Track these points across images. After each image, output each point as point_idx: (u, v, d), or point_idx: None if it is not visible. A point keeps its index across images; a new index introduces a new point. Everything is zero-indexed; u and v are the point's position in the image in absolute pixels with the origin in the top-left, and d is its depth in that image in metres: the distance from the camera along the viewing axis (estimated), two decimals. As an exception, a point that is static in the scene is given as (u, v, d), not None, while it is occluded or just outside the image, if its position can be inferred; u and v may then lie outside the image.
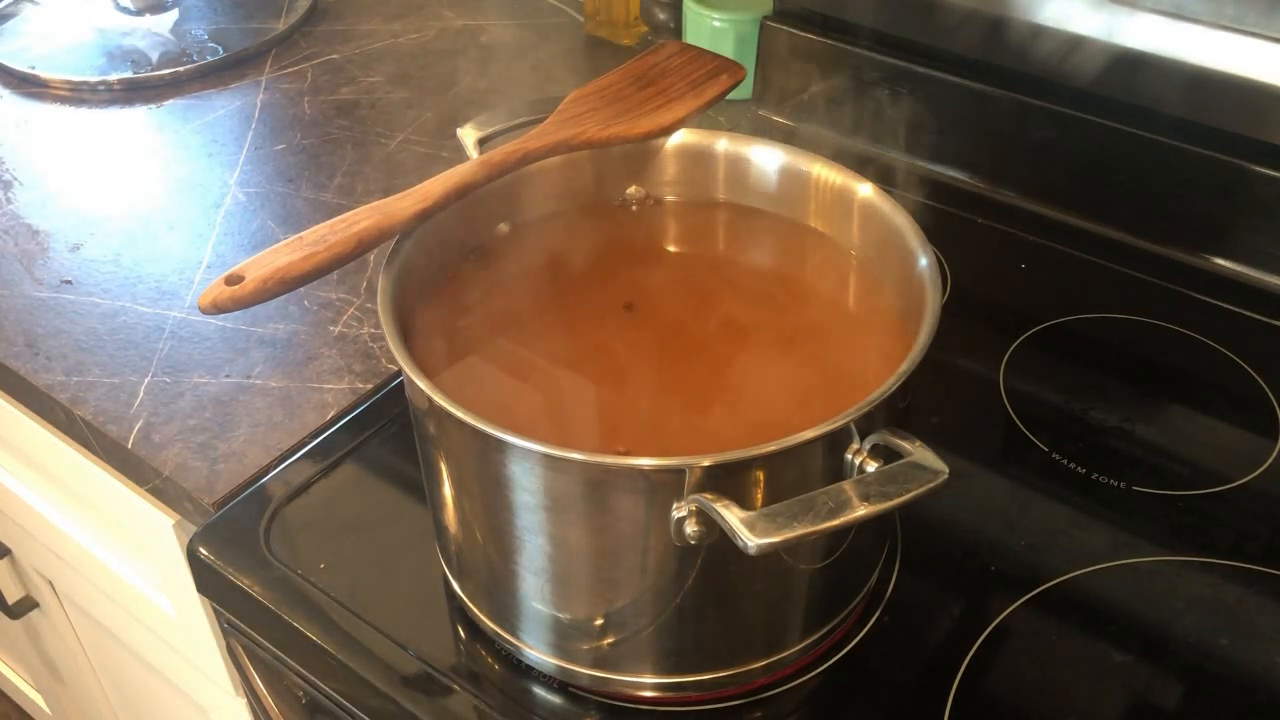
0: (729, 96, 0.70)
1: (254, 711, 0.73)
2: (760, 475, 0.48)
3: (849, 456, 0.49)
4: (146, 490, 0.74)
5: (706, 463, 0.46)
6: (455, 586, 0.61)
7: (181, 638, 0.88)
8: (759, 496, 0.49)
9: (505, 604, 0.57)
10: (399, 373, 0.70)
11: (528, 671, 0.59)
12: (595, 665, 0.56)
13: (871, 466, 0.49)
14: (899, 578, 0.63)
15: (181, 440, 0.71)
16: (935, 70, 0.88)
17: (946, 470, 0.47)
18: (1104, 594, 0.62)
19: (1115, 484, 0.68)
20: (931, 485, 0.46)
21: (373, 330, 0.79)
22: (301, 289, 0.55)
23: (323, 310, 0.80)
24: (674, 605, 0.53)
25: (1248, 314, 0.79)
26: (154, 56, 1.09)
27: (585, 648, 0.56)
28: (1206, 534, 0.65)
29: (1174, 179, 0.81)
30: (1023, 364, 0.76)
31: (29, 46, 1.10)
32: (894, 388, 0.49)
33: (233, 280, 0.53)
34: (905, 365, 0.50)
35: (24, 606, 1.16)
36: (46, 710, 1.43)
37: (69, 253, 0.86)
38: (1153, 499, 0.67)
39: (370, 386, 0.75)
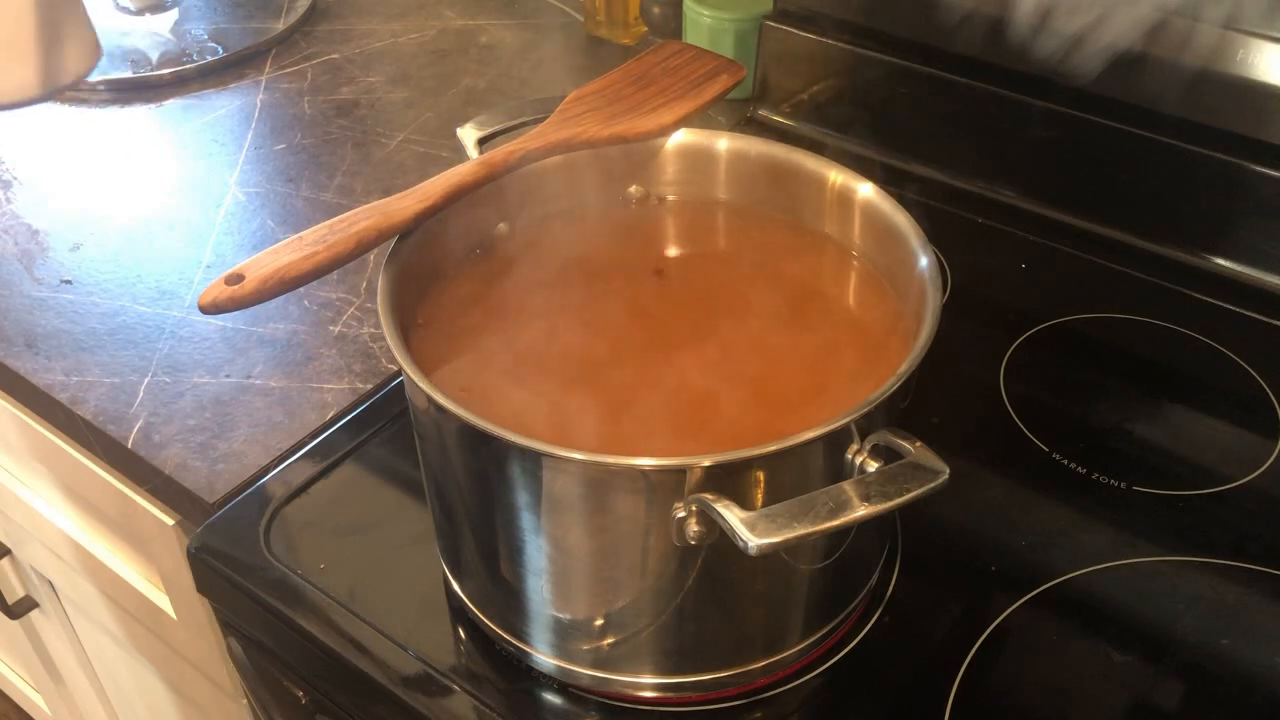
0: (729, 96, 0.70)
1: (254, 712, 0.73)
2: (761, 475, 0.48)
3: (849, 456, 0.49)
4: (146, 490, 0.74)
5: (707, 463, 0.46)
6: (455, 587, 0.61)
7: (181, 638, 0.88)
8: (759, 496, 0.49)
9: (505, 604, 0.57)
10: (399, 373, 0.70)
11: (528, 672, 0.59)
12: (595, 665, 0.56)
13: (872, 466, 0.49)
14: (899, 578, 0.63)
15: (181, 440, 0.71)
16: (935, 70, 0.88)
17: (947, 470, 0.47)
18: (1104, 594, 0.62)
19: (1115, 484, 0.68)
20: (931, 485, 0.47)
21: (373, 330, 0.79)
22: (301, 289, 0.55)
23: (323, 310, 0.80)
24: (674, 605, 0.53)
25: (1248, 314, 0.79)
26: (154, 56, 1.09)
27: (585, 648, 0.56)
28: (1206, 534, 0.65)
29: (1174, 179, 0.81)
30: (1023, 364, 0.76)
31: (29, 46, 1.10)
32: (894, 388, 0.49)
33: (232, 280, 0.53)
34: (905, 365, 0.50)
35: (24, 606, 1.16)
36: (46, 710, 1.43)
37: (69, 252, 0.86)
38: (1153, 499, 0.67)
39: (370, 386, 0.75)
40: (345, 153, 0.96)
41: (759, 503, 0.48)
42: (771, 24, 0.95)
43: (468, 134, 0.63)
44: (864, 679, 0.59)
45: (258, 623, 0.66)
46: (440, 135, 0.98)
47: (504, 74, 1.06)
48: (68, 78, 0.78)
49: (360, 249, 0.55)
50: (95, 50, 0.79)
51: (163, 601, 0.87)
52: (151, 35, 1.12)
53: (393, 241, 0.58)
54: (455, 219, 0.61)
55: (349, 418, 0.73)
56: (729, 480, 0.47)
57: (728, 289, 0.64)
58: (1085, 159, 0.85)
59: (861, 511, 0.46)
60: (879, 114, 0.92)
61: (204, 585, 0.68)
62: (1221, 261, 0.82)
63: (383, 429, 0.72)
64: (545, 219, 0.66)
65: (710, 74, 0.69)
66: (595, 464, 0.48)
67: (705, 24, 0.98)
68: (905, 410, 0.52)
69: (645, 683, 0.56)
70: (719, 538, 0.47)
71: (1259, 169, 0.78)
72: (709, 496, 0.46)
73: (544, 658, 0.57)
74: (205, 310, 0.53)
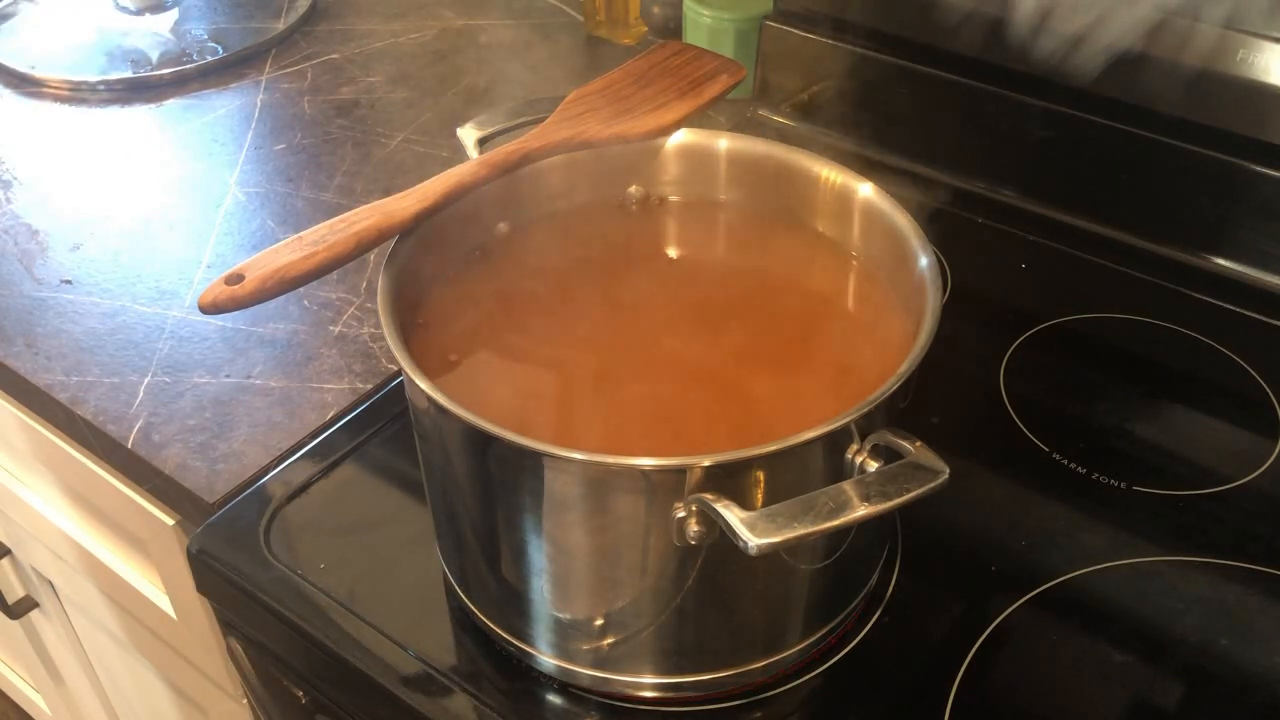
0: (729, 96, 0.70)
1: (254, 711, 0.73)
2: (761, 475, 0.48)
3: (849, 456, 0.49)
4: (146, 490, 0.74)
5: (707, 463, 0.46)
6: (455, 586, 0.61)
7: (181, 638, 0.88)
8: (759, 496, 0.49)
9: (505, 604, 0.57)
10: (399, 373, 0.70)
11: (528, 672, 0.59)
12: (595, 665, 0.56)
13: (872, 466, 0.49)
14: (899, 578, 0.63)
15: (181, 440, 0.71)
16: (935, 70, 0.88)
17: (947, 470, 0.47)
18: (1104, 594, 0.62)
19: (1115, 484, 0.68)
20: (932, 485, 0.47)
21: (373, 330, 0.79)
22: (301, 289, 0.55)
23: (323, 310, 0.80)
24: (674, 605, 0.53)
25: (1248, 314, 0.79)
26: (154, 56, 1.09)
27: (585, 648, 0.56)
28: (1206, 534, 0.65)
29: (1174, 179, 0.81)
30: (1023, 364, 0.76)
31: (29, 46, 1.10)
32: (894, 388, 0.49)
33: (232, 280, 0.53)
34: (905, 365, 0.50)
35: (24, 606, 1.16)
36: (46, 710, 1.43)
37: (69, 252, 0.86)
38: (1153, 499, 0.67)
39: (370, 386, 0.75)
40: (345, 153, 0.96)
41: (759, 503, 0.48)
42: (771, 24, 0.95)
43: (468, 134, 0.63)
44: (864, 679, 0.59)
45: (258, 623, 0.66)
46: (440, 135, 0.98)
47: (504, 74, 1.06)
48: None
49: (360, 249, 0.55)
50: None
51: (163, 601, 0.87)
52: (151, 35, 1.12)
53: (393, 241, 0.58)
54: (455, 219, 0.61)
55: (349, 418, 0.73)
56: (729, 480, 0.47)
57: (728, 289, 0.65)
58: (1085, 159, 0.85)
59: (861, 511, 0.46)
60: (879, 114, 0.92)
61: (204, 585, 0.68)
62: (1221, 261, 0.82)
63: (383, 429, 0.72)
64: (545, 219, 0.66)
65: (710, 74, 0.69)
66: (595, 464, 0.48)
67: (705, 24, 0.98)
68: (905, 410, 0.52)
69: (645, 683, 0.56)
70: (719, 538, 0.47)
71: (1259, 169, 0.78)
72: (709, 496, 0.46)
73: (544, 657, 0.57)
74: (205, 310, 0.53)
